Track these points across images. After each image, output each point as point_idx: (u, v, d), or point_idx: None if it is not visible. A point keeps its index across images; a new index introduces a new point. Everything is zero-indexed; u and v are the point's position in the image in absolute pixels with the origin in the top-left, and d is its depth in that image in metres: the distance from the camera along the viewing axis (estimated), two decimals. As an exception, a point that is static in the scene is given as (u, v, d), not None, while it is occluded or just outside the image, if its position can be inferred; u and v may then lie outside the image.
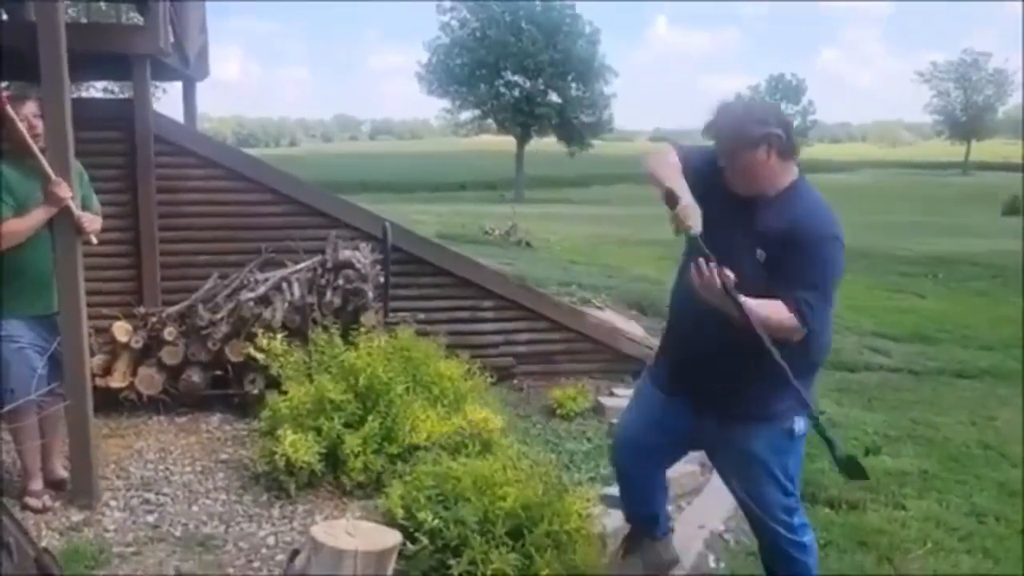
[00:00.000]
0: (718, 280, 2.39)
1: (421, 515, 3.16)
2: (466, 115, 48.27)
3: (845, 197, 36.07)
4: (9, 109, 3.51)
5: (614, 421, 5.06)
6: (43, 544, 3.33)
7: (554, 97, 45.20)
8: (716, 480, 4.29)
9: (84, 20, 8.37)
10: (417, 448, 4.00)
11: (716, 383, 2.74)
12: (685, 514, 3.94)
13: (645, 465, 3.11)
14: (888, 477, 4.46)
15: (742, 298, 2.42)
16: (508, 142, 49.58)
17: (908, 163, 77.52)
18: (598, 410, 5.33)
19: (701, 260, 2.43)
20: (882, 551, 3.63)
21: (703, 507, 4.03)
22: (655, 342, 6.55)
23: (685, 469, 4.32)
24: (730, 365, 2.65)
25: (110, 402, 4.88)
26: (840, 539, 3.73)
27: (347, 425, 4.07)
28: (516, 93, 45.33)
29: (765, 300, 2.49)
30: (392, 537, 2.93)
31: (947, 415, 5.69)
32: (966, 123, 68.41)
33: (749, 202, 2.61)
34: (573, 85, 44.98)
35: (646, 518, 3.28)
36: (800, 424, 2.72)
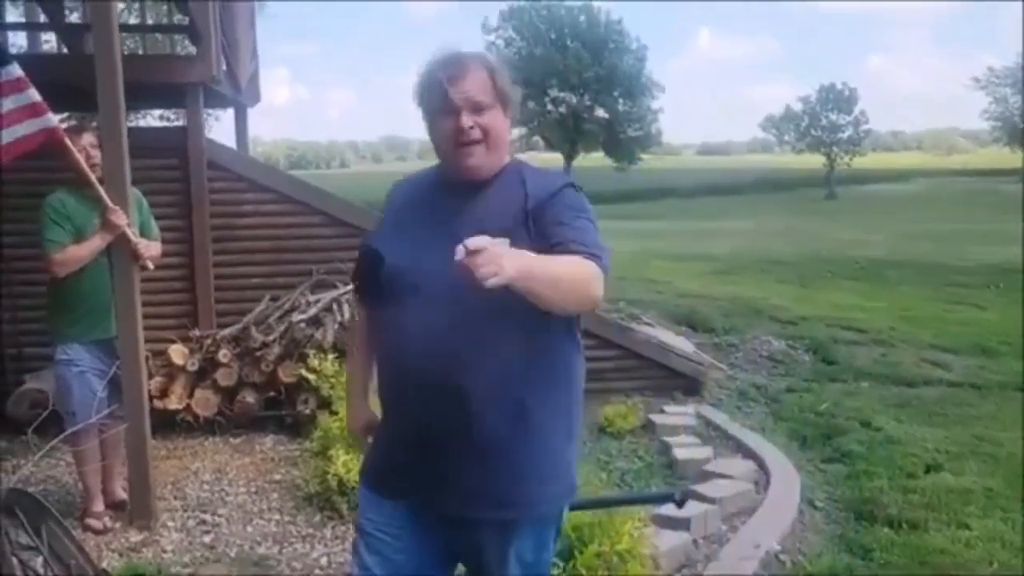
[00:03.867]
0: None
1: (472, 535, 3.16)
2: (514, 133, 48.28)
3: (900, 207, 35.41)
4: (68, 140, 3.62)
5: (664, 439, 5.01)
6: (103, 565, 3.41)
7: (601, 112, 45.20)
8: (772, 499, 4.24)
9: (140, 52, 8.61)
10: (467, 468, 4.00)
11: (465, 461, 1.96)
12: (740, 533, 3.87)
13: None
14: (951, 495, 4.33)
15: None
16: (556, 159, 49.67)
17: (965, 171, 75.60)
18: (648, 428, 5.28)
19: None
20: (945, 572, 3.53)
21: (759, 526, 3.95)
22: (705, 358, 6.50)
23: (740, 488, 4.26)
24: (485, 428, 1.94)
25: (167, 424, 4.99)
26: (901, 560, 3.63)
27: (398, 445, 4.08)
28: (563, 110, 45.42)
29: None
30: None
31: (1011, 430, 5.51)
32: (1025, 129, 66.63)
33: (456, 204, 2.03)
34: (620, 100, 44.92)
35: None
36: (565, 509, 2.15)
